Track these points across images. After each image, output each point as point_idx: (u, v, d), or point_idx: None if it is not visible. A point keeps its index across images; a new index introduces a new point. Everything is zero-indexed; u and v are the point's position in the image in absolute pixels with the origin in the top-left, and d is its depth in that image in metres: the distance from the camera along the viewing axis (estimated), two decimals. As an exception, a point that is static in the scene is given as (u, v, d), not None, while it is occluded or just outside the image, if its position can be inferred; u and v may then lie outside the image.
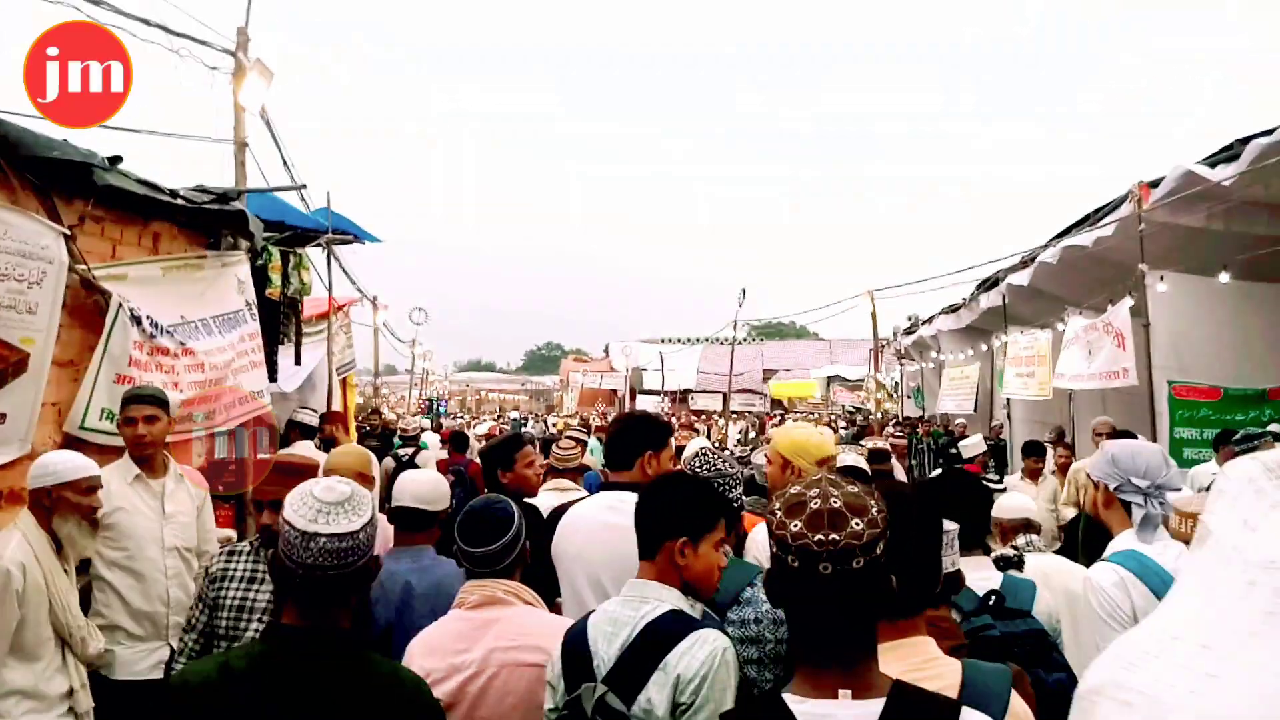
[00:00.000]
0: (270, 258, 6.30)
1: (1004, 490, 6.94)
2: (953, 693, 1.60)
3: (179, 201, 4.62)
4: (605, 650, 1.98)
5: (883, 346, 30.57)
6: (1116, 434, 6.14)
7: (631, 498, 2.31)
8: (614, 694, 1.90)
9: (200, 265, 5.25)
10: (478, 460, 12.36)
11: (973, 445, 9.27)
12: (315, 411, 6.64)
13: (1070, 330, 12.36)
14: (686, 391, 44.77)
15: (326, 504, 1.77)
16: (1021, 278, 14.38)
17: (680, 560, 2.09)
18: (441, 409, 40.03)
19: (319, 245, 7.17)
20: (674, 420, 37.30)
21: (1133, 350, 9.26)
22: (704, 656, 1.90)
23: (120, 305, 4.30)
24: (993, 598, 2.53)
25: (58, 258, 3.94)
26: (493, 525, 2.40)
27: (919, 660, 1.71)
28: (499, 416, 33.84)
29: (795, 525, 1.38)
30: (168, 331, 4.66)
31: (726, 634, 2.10)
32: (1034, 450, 9.13)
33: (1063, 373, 11.86)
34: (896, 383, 30.18)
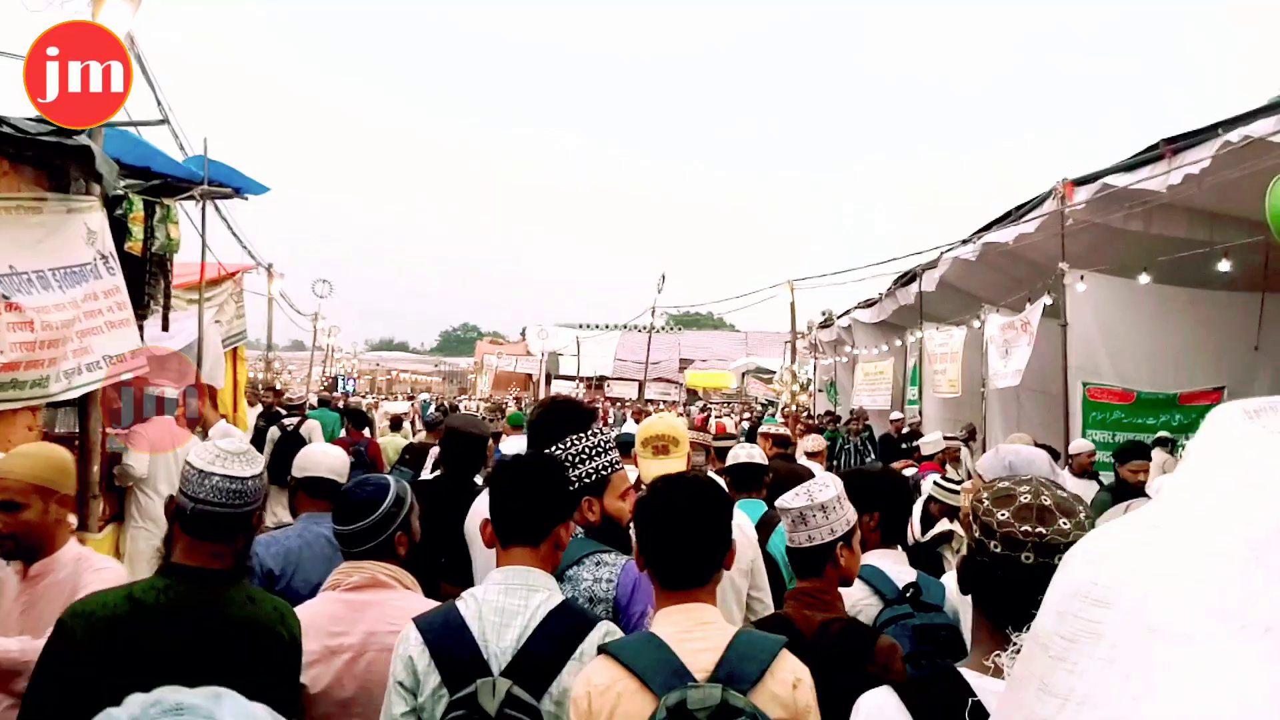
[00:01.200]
0: (131, 207, 5.59)
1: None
2: (715, 655, 1.76)
3: (4, 129, 3.92)
4: (498, 642, 1.89)
5: (799, 340, 30.80)
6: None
7: None
8: (520, 687, 1.82)
9: (37, 208, 4.56)
10: (378, 440, 11.95)
11: (931, 443, 9.00)
12: (175, 386, 5.99)
13: (989, 329, 12.35)
14: (603, 378, 44.65)
15: (226, 452, 2.05)
16: (939, 274, 14.36)
17: (562, 543, 2.10)
18: (349, 387, 38.78)
19: (192, 198, 6.45)
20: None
21: (1032, 351, 9.18)
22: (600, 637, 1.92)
23: (-83, 248, 3.62)
24: (910, 589, 2.64)
25: None
26: (361, 503, 2.37)
27: (690, 624, 1.84)
28: (412, 398, 32.89)
29: (1002, 514, 1.48)
30: (-14, 282, 3.98)
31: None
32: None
33: (995, 372, 11.77)
34: (809, 378, 30.43)
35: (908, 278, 16.56)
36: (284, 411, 10.65)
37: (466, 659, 1.87)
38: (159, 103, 6.15)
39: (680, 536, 1.90)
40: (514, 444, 8.07)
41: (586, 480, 2.51)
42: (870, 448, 13.33)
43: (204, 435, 6.19)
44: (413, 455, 7.56)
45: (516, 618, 1.92)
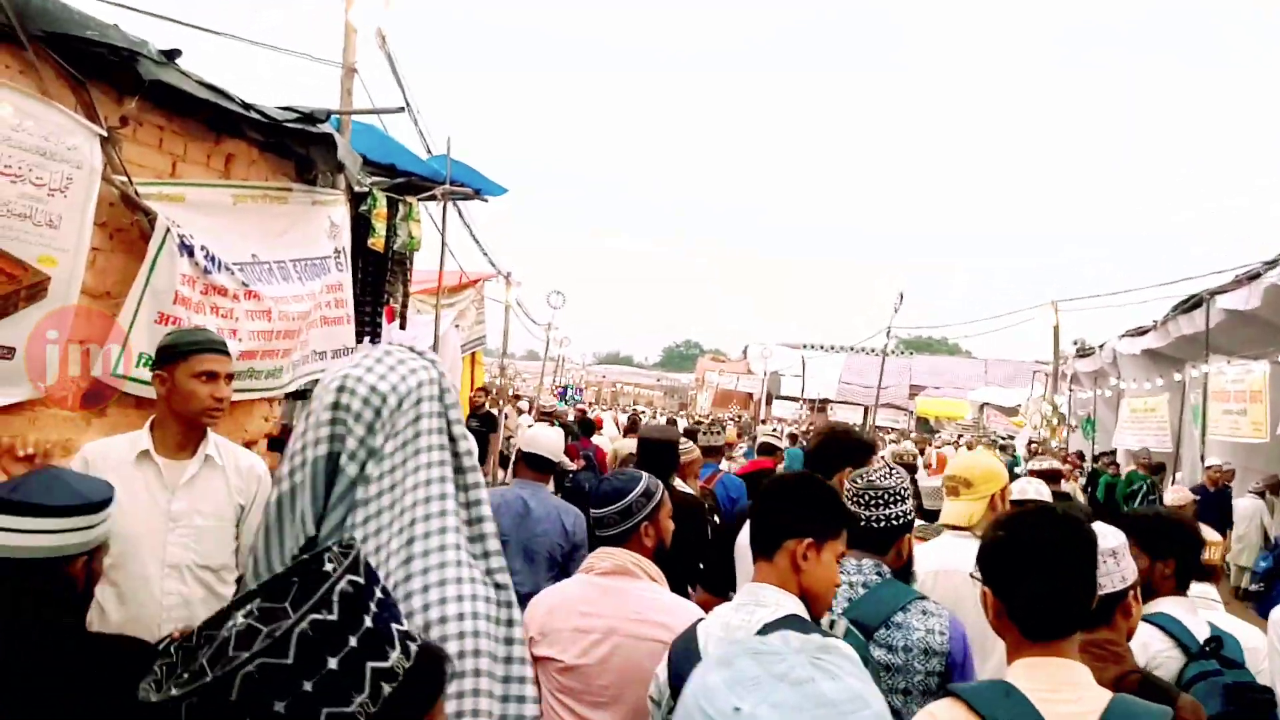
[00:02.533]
0: (375, 203, 5.56)
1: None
2: None
3: (252, 114, 3.86)
4: None
5: (1042, 370, 28.26)
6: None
7: None
8: None
9: (283, 198, 4.54)
10: (603, 447, 11.97)
11: (1179, 497, 7.70)
12: None
13: (1303, 365, 10.48)
14: (826, 401, 43.50)
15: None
16: (1238, 300, 12.40)
17: (802, 564, 1.94)
18: (577, 398, 39.91)
19: (434, 198, 6.41)
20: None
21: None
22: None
23: (168, 230, 3.57)
24: (1213, 643, 2.40)
25: (88, 163, 3.24)
26: (612, 491, 2.44)
27: (1056, 681, 1.62)
28: (640, 411, 33.39)
29: None
30: (229, 269, 3.93)
31: (871, 658, 2.06)
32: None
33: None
34: (1063, 412, 27.82)
35: (1191, 304, 14.54)
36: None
37: (688, 673, 1.56)
38: (405, 100, 6.15)
39: (1054, 578, 1.67)
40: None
41: (895, 523, 2.47)
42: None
43: None
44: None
45: (738, 633, 1.83)
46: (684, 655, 1.81)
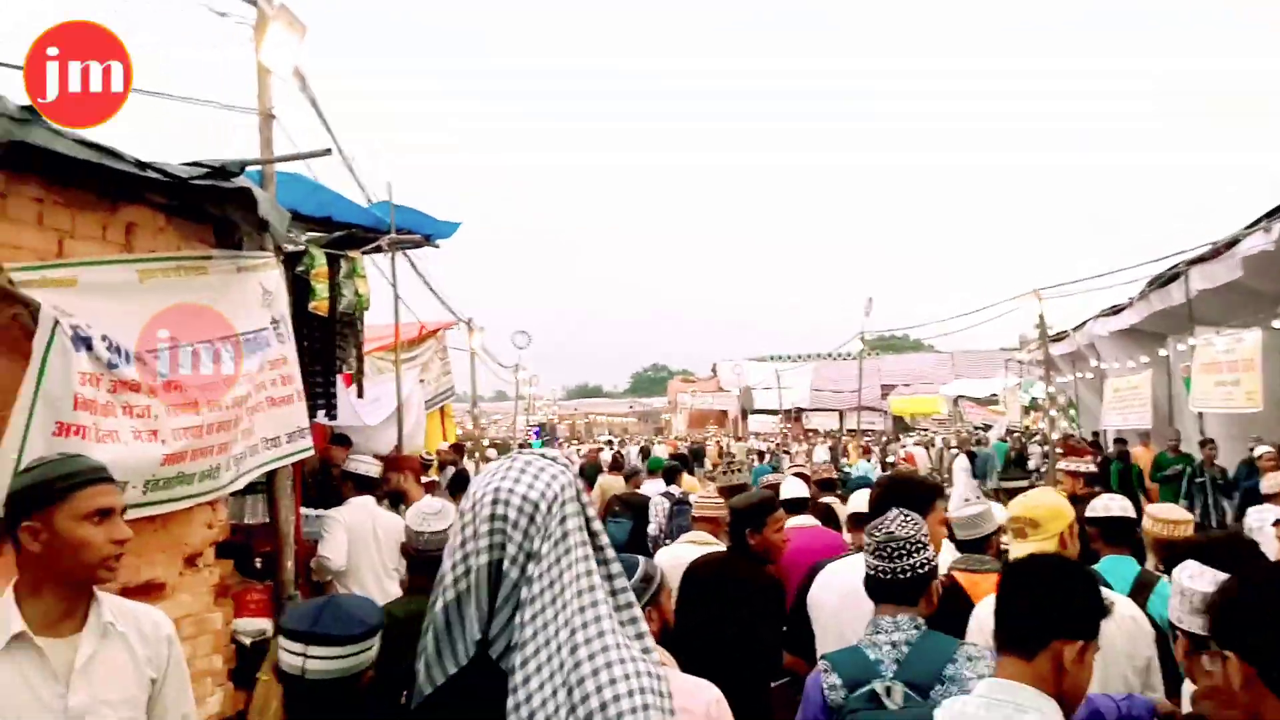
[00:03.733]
0: (313, 262, 4.95)
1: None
2: None
3: (150, 174, 3.24)
4: None
5: (1013, 358, 28.13)
6: None
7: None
8: None
9: (202, 268, 3.91)
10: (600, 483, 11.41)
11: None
12: (376, 459, 5.27)
13: (1299, 328, 10.16)
14: (800, 410, 43.36)
15: (427, 514, 3.05)
16: (1220, 271, 12.11)
17: (1070, 668, 1.79)
18: (550, 437, 39.10)
19: (380, 249, 5.80)
20: (790, 440, 35.60)
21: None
22: None
23: (56, 322, 2.94)
24: None
25: (-60, 252, 2.60)
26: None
27: None
28: (610, 442, 32.73)
29: None
30: (141, 359, 3.29)
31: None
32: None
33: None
34: (1034, 399, 27.60)
35: (1168, 278, 14.28)
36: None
37: None
38: (335, 143, 5.53)
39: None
40: (653, 486, 8.61)
41: (920, 571, 2.47)
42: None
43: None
44: (624, 505, 7.77)
45: None
46: None
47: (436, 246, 6.30)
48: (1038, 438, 22.40)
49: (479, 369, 16.47)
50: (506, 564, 1.77)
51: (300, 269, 4.93)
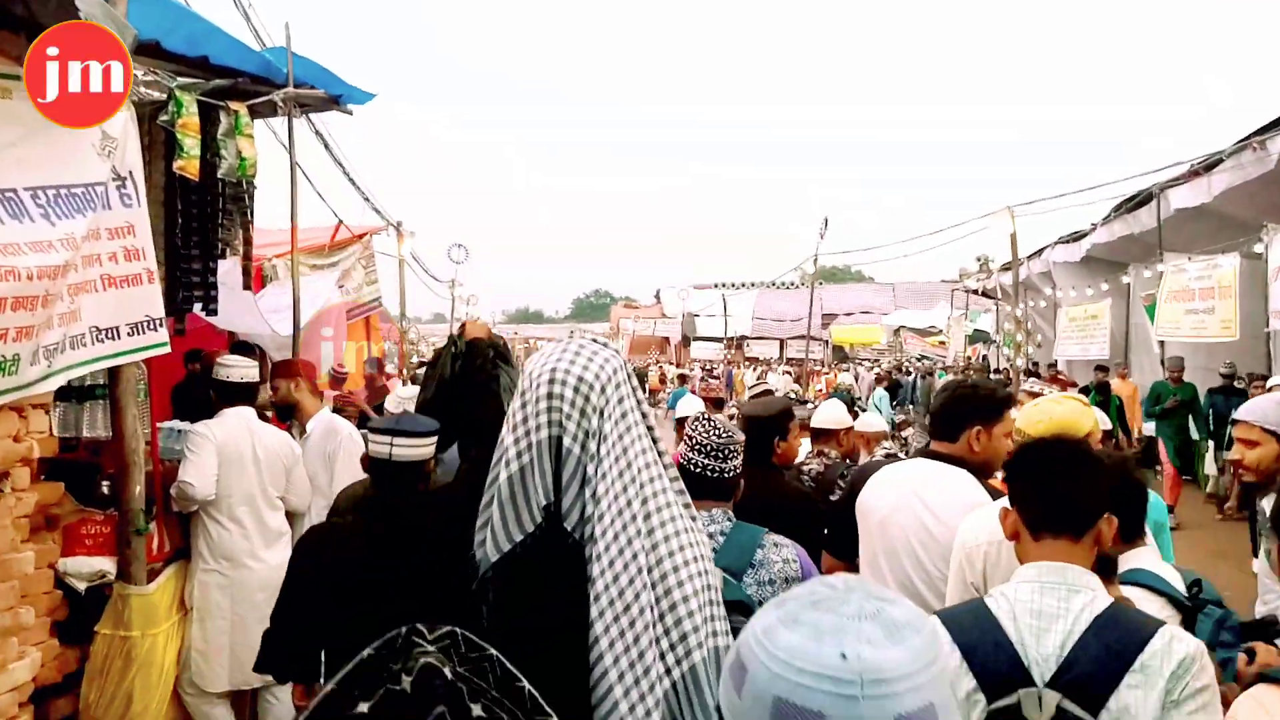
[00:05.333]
0: (179, 110, 3.87)
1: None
2: None
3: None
4: (1037, 648, 1.71)
5: (961, 287, 27.81)
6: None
7: (953, 474, 2.68)
8: (1070, 701, 1.65)
9: (5, 91, 2.86)
10: None
11: None
12: (252, 359, 4.20)
13: (1277, 253, 9.62)
14: (742, 338, 43.04)
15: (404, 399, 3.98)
16: (1195, 193, 11.54)
17: (1103, 541, 1.85)
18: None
19: (272, 105, 4.68)
20: (730, 366, 35.26)
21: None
22: (1190, 652, 1.66)
23: None
24: (1195, 587, 2.38)
25: None
26: None
27: None
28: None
29: None
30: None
31: (750, 598, 2.30)
32: None
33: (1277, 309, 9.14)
34: (978, 330, 27.41)
35: (1137, 201, 13.72)
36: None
37: (1005, 665, 1.72)
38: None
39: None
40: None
41: (736, 473, 2.69)
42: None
43: (302, 431, 4.48)
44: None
45: (1057, 621, 1.73)
46: (992, 645, 1.75)
47: (348, 112, 5.19)
48: (976, 369, 22.23)
49: (413, 284, 15.33)
50: (567, 441, 1.86)
51: (163, 118, 3.85)
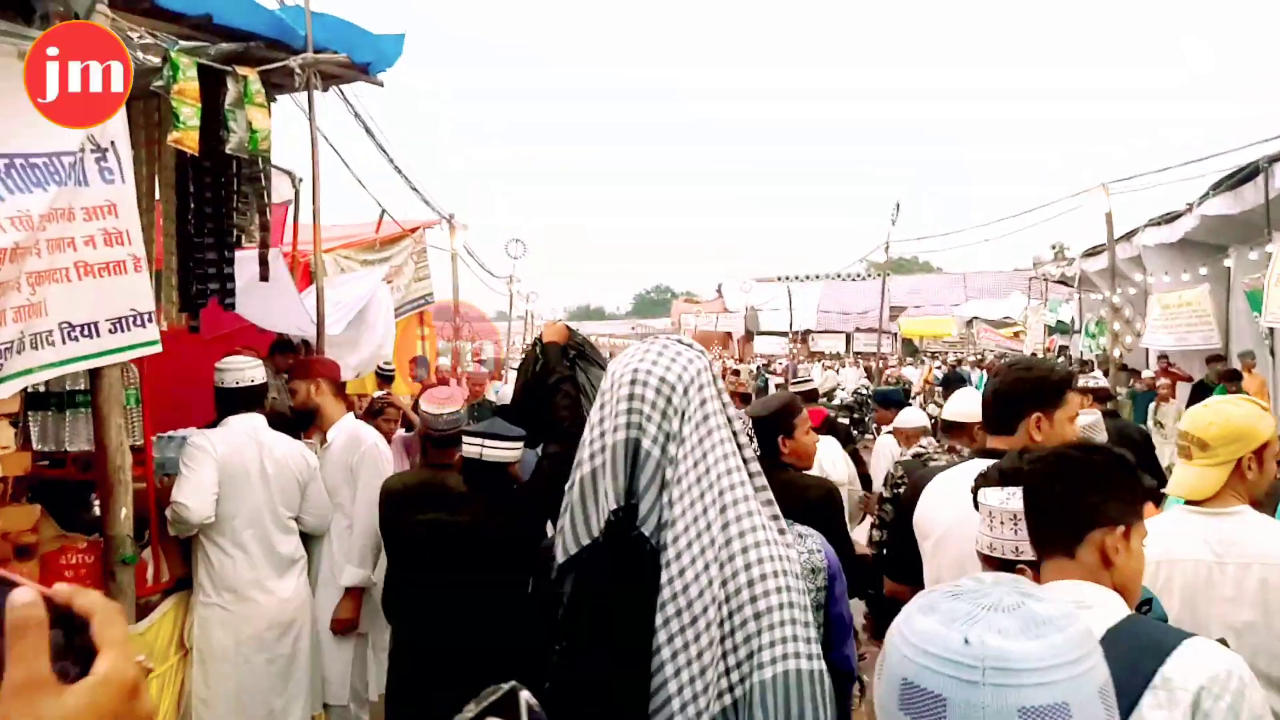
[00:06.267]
0: (176, 75, 3.39)
1: None
2: None
3: None
4: None
5: (1040, 275, 26.56)
6: None
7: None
8: None
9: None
10: None
11: None
12: (268, 360, 3.68)
13: None
14: (807, 332, 42.34)
15: (440, 398, 3.53)
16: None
17: (1115, 557, 1.66)
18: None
19: (288, 72, 4.17)
20: (794, 362, 34.67)
21: None
22: (1226, 668, 1.43)
23: None
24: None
25: None
26: None
27: None
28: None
29: None
30: None
31: None
32: None
33: None
34: (1059, 321, 26.10)
35: (1241, 176, 12.63)
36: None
37: None
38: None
39: None
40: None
41: None
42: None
43: (323, 440, 3.93)
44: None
45: None
46: None
47: (378, 84, 4.69)
48: (1061, 360, 21.09)
49: (472, 280, 14.94)
50: (647, 443, 1.80)
51: (157, 83, 3.37)
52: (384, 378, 9.13)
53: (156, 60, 3.35)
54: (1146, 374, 11.61)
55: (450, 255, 12.10)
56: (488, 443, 2.91)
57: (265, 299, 5.32)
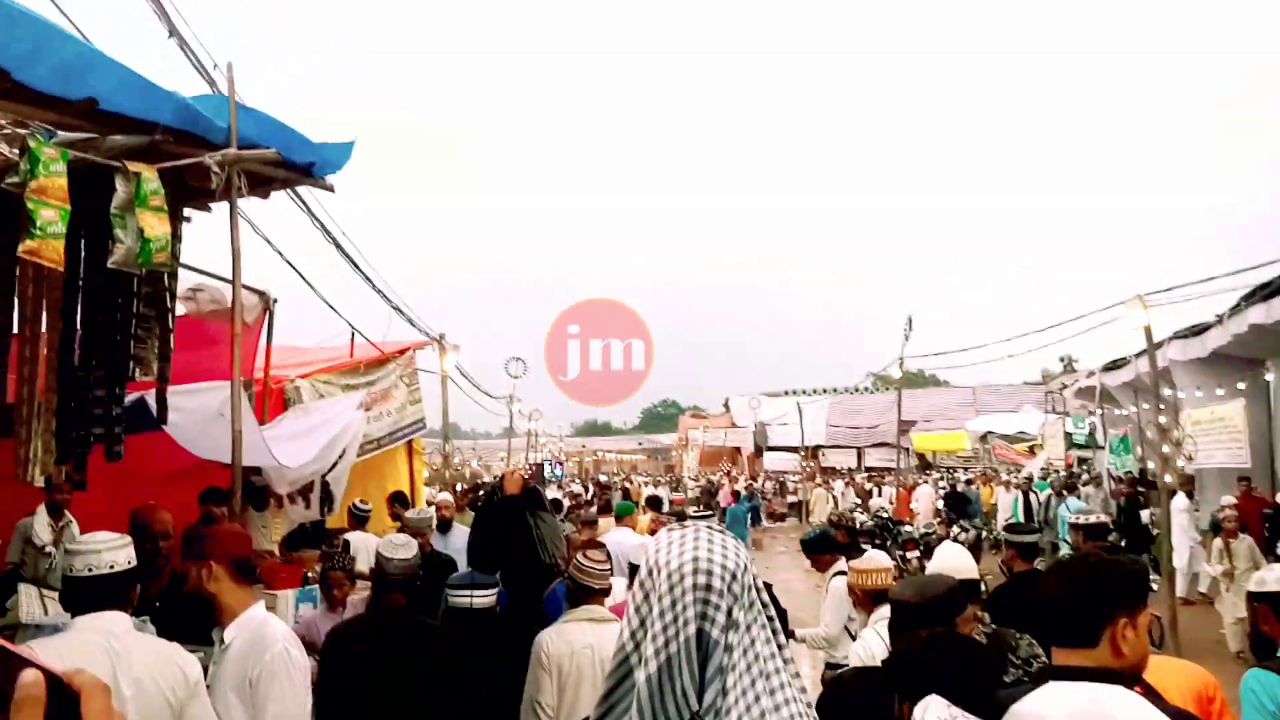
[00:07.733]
0: (35, 167, 2.70)
1: None
2: None
3: None
4: None
5: (1057, 388, 25.86)
6: None
7: (1120, 696, 1.91)
8: None
9: None
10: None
11: None
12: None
13: None
14: (817, 447, 41.61)
15: (397, 544, 3.64)
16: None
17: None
18: (558, 473, 36.57)
19: (207, 174, 3.48)
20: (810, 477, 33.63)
21: None
22: None
23: None
24: None
25: None
26: None
27: None
28: (626, 479, 30.72)
29: None
30: None
31: None
32: None
33: None
34: (1076, 433, 25.25)
35: (1271, 290, 12.00)
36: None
37: None
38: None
39: None
40: (616, 536, 7.37)
41: None
42: None
43: (219, 639, 3.01)
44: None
45: None
46: None
47: (328, 187, 4.02)
48: (1086, 478, 20.13)
49: (470, 400, 14.21)
50: (716, 633, 1.82)
51: (11, 180, 2.68)
52: (357, 518, 8.16)
53: (5, 150, 2.66)
54: (1226, 499, 10.67)
55: (441, 377, 11.38)
56: (476, 592, 3.48)
57: (215, 432, 4.59)
